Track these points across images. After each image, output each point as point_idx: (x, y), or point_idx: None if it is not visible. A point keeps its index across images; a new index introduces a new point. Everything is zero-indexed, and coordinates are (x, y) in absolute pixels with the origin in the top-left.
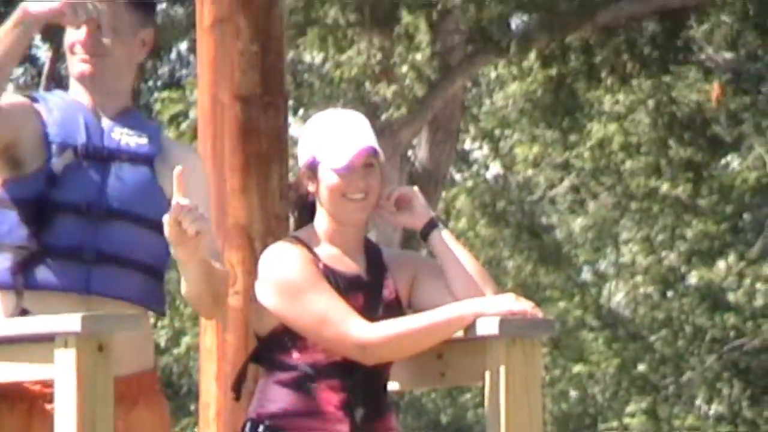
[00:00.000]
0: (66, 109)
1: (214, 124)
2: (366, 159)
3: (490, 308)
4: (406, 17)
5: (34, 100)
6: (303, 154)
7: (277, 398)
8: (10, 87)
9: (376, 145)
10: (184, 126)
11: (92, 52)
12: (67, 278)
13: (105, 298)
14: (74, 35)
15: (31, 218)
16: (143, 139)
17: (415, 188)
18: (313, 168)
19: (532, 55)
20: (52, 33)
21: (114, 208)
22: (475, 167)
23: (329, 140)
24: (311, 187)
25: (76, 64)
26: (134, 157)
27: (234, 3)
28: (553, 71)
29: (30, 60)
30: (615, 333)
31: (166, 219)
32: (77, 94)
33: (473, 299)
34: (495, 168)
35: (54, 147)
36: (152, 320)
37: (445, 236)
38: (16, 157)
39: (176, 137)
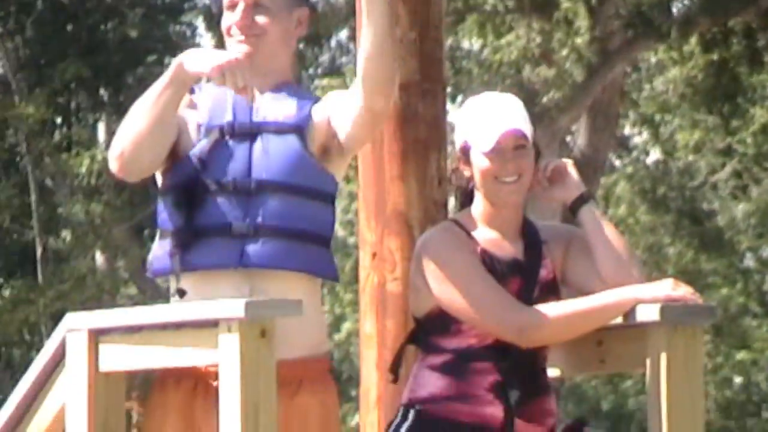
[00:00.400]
0: (217, 93)
1: None
2: (515, 141)
3: (649, 294)
4: (565, 2)
5: (192, 92)
6: (457, 139)
7: (428, 383)
8: None
9: (524, 127)
10: None
11: (248, 32)
12: (221, 255)
13: (265, 270)
14: (230, 18)
15: (183, 202)
16: (292, 109)
17: (569, 161)
18: (466, 152)
19: (693, 40)
20: (216, 21)
21: (263, 180)
22: (634, 153)
23: (479, 124)
24: (467, 172)
25: (234, 47)
26: (281, 128)
27: None
28: (715, 56)
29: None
30: None
31: None
32: None
33: (631, 286)
34: (655, 154)
35: (202, 130)
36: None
37: (594, 212)
38: (176, 149)
39: None
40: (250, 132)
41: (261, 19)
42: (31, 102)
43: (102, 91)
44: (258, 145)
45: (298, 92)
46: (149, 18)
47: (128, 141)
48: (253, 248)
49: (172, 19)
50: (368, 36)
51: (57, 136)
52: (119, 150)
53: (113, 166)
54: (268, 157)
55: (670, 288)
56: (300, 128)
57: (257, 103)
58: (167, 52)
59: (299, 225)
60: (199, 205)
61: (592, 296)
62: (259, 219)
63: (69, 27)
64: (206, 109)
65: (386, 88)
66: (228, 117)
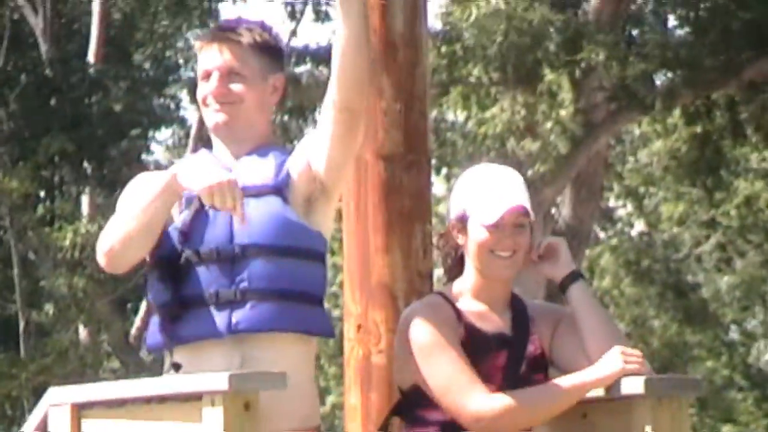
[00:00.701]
0: (197, 164)
1: (358, 183)
2: (517, 218)
3: (602, 374)
4: (549, 75)
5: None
6: (454, 207)
7: None
8: (160, 151)
9: (528, 205)
10: None
11: (224, 100)
12: (210, 325)
13: (256, 335)
14: (205, 87)
15: (168, 275)
16: (270, 171)
17: (562, 239)
18: (463, 221)
19: (677, 112)
20: None
21: (246, 245)
22: (619, 225)
23: (481, 195)
24: (460, 240)
25: (211, 115)
26: (261, 191)
27: (377, 62)
28: (698, 128)
29: (179, 121)
30: (764, 393)
31: None
32: (216, 146)
33: (582, 371)
34: (639, 226)
35: (183, 201)
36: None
37: (584, 290)
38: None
39: None
40: None
41: (236, 87)
42: (14, 176)
43: (86, 165)
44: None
45: (275, 153)
46: (133, 91)
47: (117, 240)
48: (241, 314)
49: (156, 92)
50: (344, 34)
51: (40, 209)
52: (108, 246)
53: (101, 261)
54: (249, 220)
55: (619, 362)
56: (279, 188)
57: (236, 168)
58: (151, 125)
59: (287, 285)
60: (185, 276)
61: (548, 385)
62: (245, 283)
63: (53, 101)
64: (186, 180)
65: (362, 85)
66: None
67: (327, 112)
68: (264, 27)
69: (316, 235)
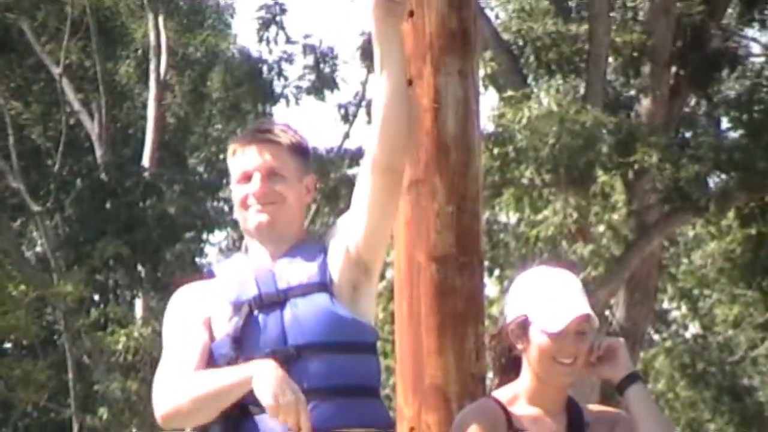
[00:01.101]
0: (237, 267)
1: (411, 285)
2: (580, 325)
3: None
4: (602, 176)
5: (210, 274)
6: (514, 311)
7: None
8: (214, 254)
9: (591, 312)
10: (380, 286)
11: (266, 200)
12: (278, 429)
13: None
14: (244, 189)
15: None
16: (313, 268)
17: (621, 340)
18: (524, 327)
19: (731, 214)
20: None
21: (300, 345)
22: (673, 327)
23: (544, 301)
24: (520, 345)
25: (252, 216)
26: (307, 290)
27: (430, 164)
28: (753, 230)
29: (232, 224)
30: None
31: None
32: (253, 248)
33: None
34: (694, 328)
35: (231, 308)
36: None
37: (643, 392)
38: (213, 335)
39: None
40: (277, 300)
41: (279, 187)
42: (69, 280)
43: (140, 268)
44: (288, 311)
45: (313, 249)
46: (187, 194)
47: (183, 411)
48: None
49: (210, 196)
50: (385, 88)
51: (94, 313)
52: (173, 409)
53: (159, 416)
54: (300, 321)
55: None
56: (325, 285)
57: (277, 269)
58: (205, 228)
59: (345, 381)
60: None
61: None
62: (306, 384)
63: (108, 204)
64: (231, 285)
65: (404, 141)
66: (253, 290)
67: (365, 179)
68: (293, 129)
69: (367, 327)
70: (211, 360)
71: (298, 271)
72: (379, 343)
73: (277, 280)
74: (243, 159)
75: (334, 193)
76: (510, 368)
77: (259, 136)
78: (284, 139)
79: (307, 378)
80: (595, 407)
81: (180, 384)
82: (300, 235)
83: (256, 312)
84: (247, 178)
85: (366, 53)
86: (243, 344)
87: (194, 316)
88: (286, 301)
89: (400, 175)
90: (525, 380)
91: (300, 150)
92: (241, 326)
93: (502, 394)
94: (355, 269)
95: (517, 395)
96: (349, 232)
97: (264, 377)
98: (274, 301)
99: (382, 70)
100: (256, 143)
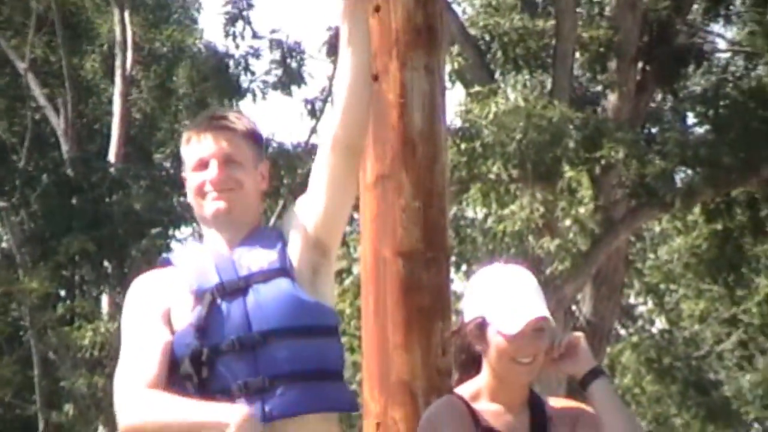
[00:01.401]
0: (195, 256)
1: (377, 280)
2: (536, 325)
3: None
4: (568, 172)
5: (167, 263)
6: (471, 312)
7: None
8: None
9: (548, 313)
10: (347, 282)
11: (224, 187)
12: None
13: (288, 419)
14: (201, 176)
15: (193, 371)
16: (272, 253)
17: (581, 335)
18: (481, 328)
19: (697, 210)
20: None
21: (265, 331)
22: (640, 322)
23: (500, 303)
24: (479, 347)
25: (210, 203)
26: (268, 275)
27: (396, 159)
28: (719, 225)
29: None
30: None
31: None
32: (209, 235)
33: None
34: (660, 323)
35: (193, 297)
36: None
37: (606, 387)
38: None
39: (340, 293)
40: (239, 287)
41: (236, 174)
42: (35, 276)
43: (106, 264)
44: (251, 297)
45: (270, 234)
46: (153, 190)
47: (147, 428)
48: (272, 401)
49: (176, 191)
50: (350, 66)
51: (60, 309)
52: (138, 426)
53: (123, 427)
54: (264, 306)
55: None
56: (285, 269)
57: (236, 256)
58: (171, 223)
59: (310, 366)
60: (210, 371)
61: None
62: (272, 370)
63: (74, 200)
64: (190, 273)
65: (365, 121)
66: (215, 279)
67: (324, 159)
68: (246, 116)
69: (329, 310)
70: (172, 354)
71: (258, 257)
72: (345, 339)
73: (238, 268)
74: (198, 146)
75: (301, 188)
76: (471, 365)
77: (215, 123)
78: (239, 125)
79: (274, 364)
80: (558, 402)
81: (148, 401)
82: (256, 221)
83: (218, 300)
84: (203, 165)
85: (332, 48)
86: (207, 333)
87: (154, 309)
88: (248, 288)
89: (359, 155)
90: (486, 377)
91: (254, 136)
92: (204, 315)
93: (465, 390)
94: (314, 251)
95: (479, 392)
96: (307, 214)
97: (244, 426)
98: (236, 288)
99: (347, 47)
100: (212, 130)
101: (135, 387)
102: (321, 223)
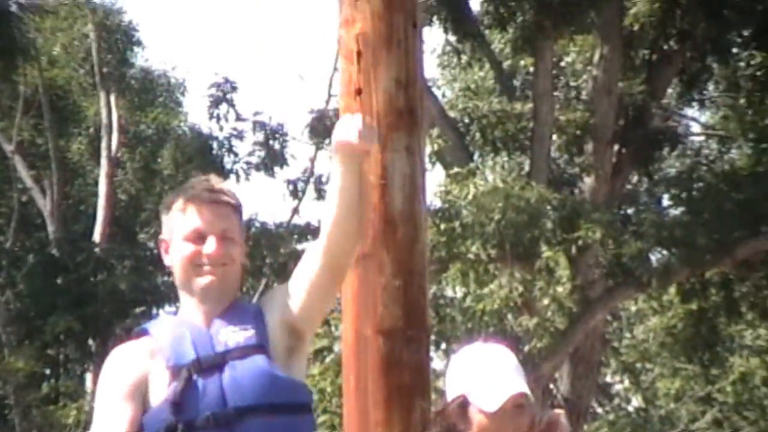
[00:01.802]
0: (173, 330)
1: (358, 358)
2: (516, 401)
3: None
4: (546, 252)
5: (144, 332)
6: (453, 391)
7: None
8: None
9: (527, 389)
10: (328, 360)
11: (220, 263)
12: None
13: None
14: (194, 248)
15: None
16: (249, 330)
17: (561, 411)
18: (463, 407)
19: (673, 290)
20: None
21: (240, 408)
22: (616, 400)
23: (481, 381)
24: (461, 426)
25: (203, 277)
26: (245, 351)
27: (378, 239)
28: (694, 305)
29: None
30: None
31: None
32: (187, 306)
33: None
34: (636, 401)
35: (170, 373)
36: None
37: None
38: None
39: (321, 371)
40: (216, 363)
41: (231, 249)
42: (20, 355)
43: (90, 342)
44: (227, 374)
45: (248, 310)
46: (138, 270)
47: None
48: None
49: (160, 271)
50: (337, 204)
51: (45, 387)
52: None
53: None
54: (240, 383)
55: None
56: (262, 346)
57: (214, 330)
58: (155, 302)
59: None
60: None
61: None
62: None
63: (59, 280)
64: (168, 347)
65: (355, 247)
66: (191, 354)
67: (313, 264)
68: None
69: (302, 386)
70: (147, 429)
71: (235, 333)
72: (327, 416)
73: (215, 343)
74: (195, 218)
75: (284, 268)
76: None
77: (214, 197)
78: (233, 200)
79: None
80: None
81: None
82: (237, 294)
83: (194, 376)
84: (199, 237)
85: (314, 130)
86: (182, 408)
87: (126, 384)
88: (224, 364)
89: (345, 272)
90: None
91: (241, 211)
92: (180, 390)
93: None
94: (290, 336)
95: None
96: (287, 303)
97: None
98: (212, 364)
99: (337, 188)
100: (211, 205)
101: None
102: (299, 315)
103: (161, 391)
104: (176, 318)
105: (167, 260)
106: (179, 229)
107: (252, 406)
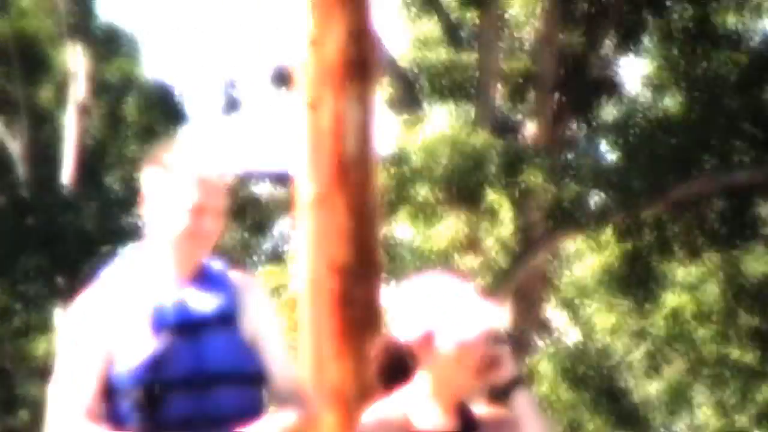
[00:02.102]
0: (150, 285)
1: (313, 295)
2: (490, 332)
3: None
4: (491, 195)
5: (114, 279)
6: (417, 324)
7: None
8: None
9: (498, 323)
10: (285, 297)
11: (214, 238)
12: None
13: None
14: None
15: (143, 402)
16: (221, 298)
17: (505, 347)
18: (428, 339)
19: (609, 230)
20: None
21: (215, 373)
22: (556, 334)
23: (451, 312)
24: (425, 354)
25: (194, 249)
26: (221, 320)
27: (332, 182)
28: (629, 245)
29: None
30: None
31: None
32: (161, 262)
33: None
34: (575, 335)
35: (144, 333)
36: None
37: (526, 397)
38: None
39: (278, 307)
40: (193, 326)
41: (221, 224)
42: None
43: (59, 279)
44: (203, 339)
45: (222, 278)
46: (103, 211)
47: None
48: None
49: (124, 212)
50: None
51: (16, 321)
52: None
53: None
54: (217, 350)
55: None
56: (232, 317)
57: (187, 294)
58: (120, 242)
59: (254, 412)
60: (159, 404)
61: None
62: (214, 411)
63: (29, 220)
64: (140, 308)
65: None
66: (170, 316)
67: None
68: None
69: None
70: (117, 385)
71: (209, 299)
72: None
73: (190, 306)
74: (203, 193)
75: (242, 212)
76: (398, 374)
77: (221, 176)
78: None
79: (221, 406)
80: (483, 408)
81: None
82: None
83: (171, 338)
84: (200, 211)
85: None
86: (158, 370)
87: (94, 337)
88: (200, 329)
89: None
90: (420, 385)
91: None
92: (157, 353)
93: (397, 398)
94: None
95: (411, 399)
96: (262, 340)
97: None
98: (189, 326)
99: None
100: (219, 182)
101: (73, 416)
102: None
103: (134, 347)
104: (148, 270)
105: (146, 211)
106: (182, 198)
107: (227, 373)
